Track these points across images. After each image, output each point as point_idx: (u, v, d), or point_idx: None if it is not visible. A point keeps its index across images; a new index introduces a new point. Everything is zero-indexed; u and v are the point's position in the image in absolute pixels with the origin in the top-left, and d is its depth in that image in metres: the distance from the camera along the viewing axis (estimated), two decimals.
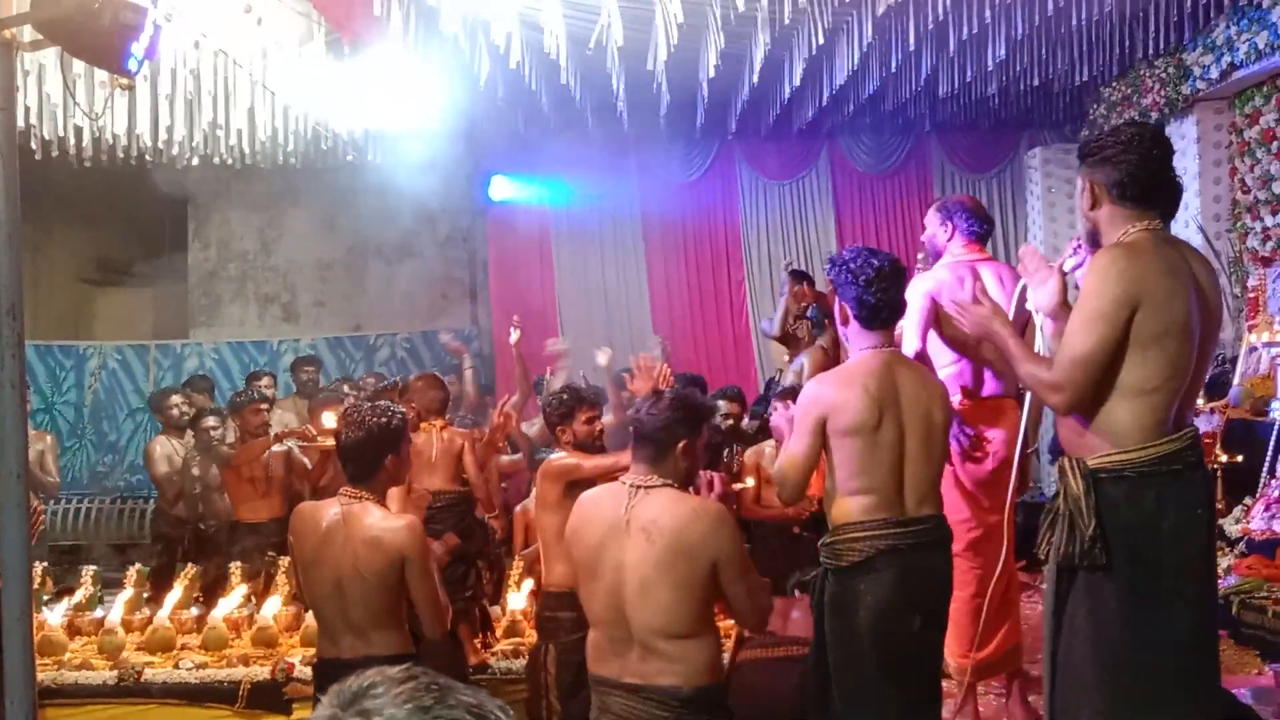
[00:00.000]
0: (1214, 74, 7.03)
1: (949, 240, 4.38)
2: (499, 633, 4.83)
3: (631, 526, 2.77)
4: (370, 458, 3.23)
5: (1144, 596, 2.63)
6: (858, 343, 3.21)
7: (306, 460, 6.05)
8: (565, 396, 4.15)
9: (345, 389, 7.32)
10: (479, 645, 4.65)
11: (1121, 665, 2.63)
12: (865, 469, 3.08)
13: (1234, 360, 6.66)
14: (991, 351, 3.98)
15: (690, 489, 2.90)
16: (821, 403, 3.11)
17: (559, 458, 3.99)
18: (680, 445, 2.82)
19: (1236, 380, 6.41)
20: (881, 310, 3.18)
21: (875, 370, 3.13)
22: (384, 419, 3.25)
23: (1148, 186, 2.68)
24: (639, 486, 2.81)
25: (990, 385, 4.25)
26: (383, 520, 3.17)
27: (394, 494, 4.67)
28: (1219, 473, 5.71)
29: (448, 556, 4.00)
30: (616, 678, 2.80)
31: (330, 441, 5.59)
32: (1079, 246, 2.91)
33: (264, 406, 6.26)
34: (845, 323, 3.23)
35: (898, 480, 3.11)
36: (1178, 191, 2.76)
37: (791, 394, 5.34)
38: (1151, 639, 2.61)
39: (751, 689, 3.56)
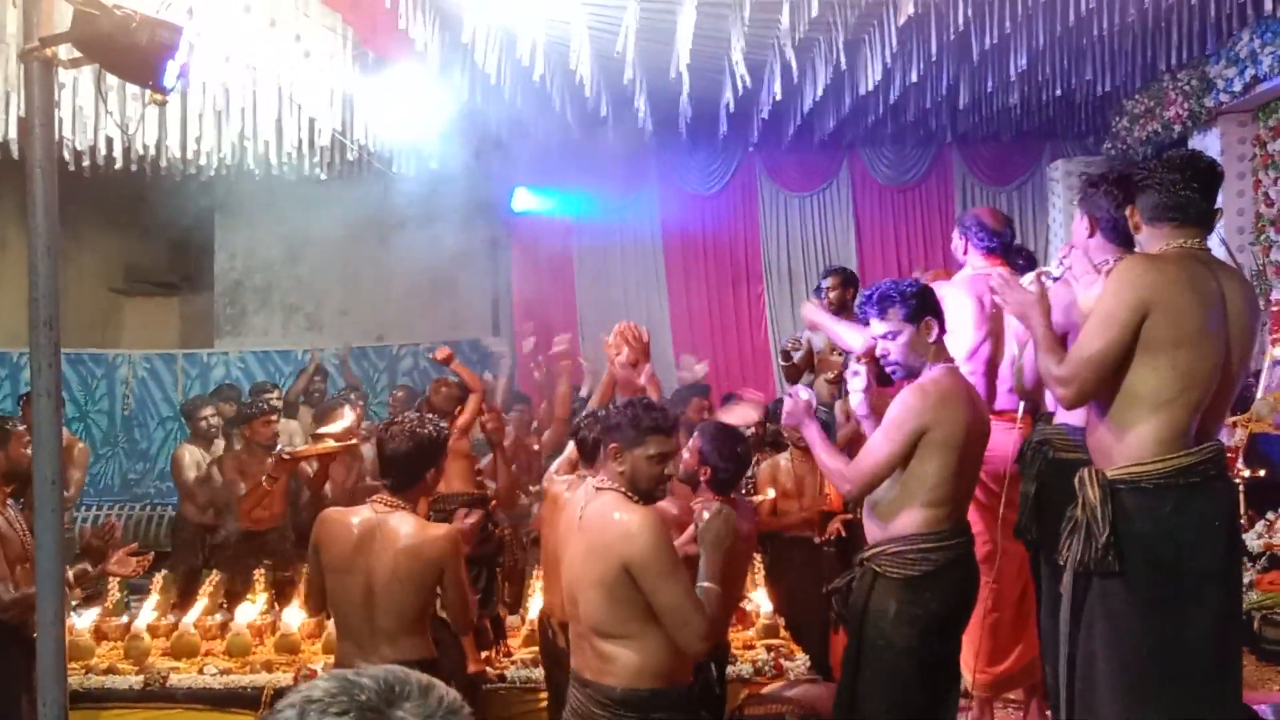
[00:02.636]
0: (1237, 86, 7.00)
1: (965, 254, 4.40)
2: (519, 640, 4.86)
3: (582, 524, 2.88)
4: (414, 468, 3.29)
5: (1159, 604, 2.68)
6: (939, 355, 3.28)
7: (309, 467, 6.10)
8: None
9: (353, 397, 7.37)
10: (494, 654, 4.66)
11: (1138, 671, 2.68)
12: (948, 482, 3.16)
13: (1257, 374, 6.63)
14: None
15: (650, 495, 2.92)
16: (925, 414, 3.15)
17: None
18: (610, 448, 2.88)
19: (1259, 394, 6.37)
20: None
21: (966, 389, 3.28)
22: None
23: (1176, 206, 2.80)
24: (596, 488, 2.91)
25: (1003, 400, 4.25)
26: (422, 530, 3.23)
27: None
28: (1241, 487, 5.67)
29: (475, 532, 4.02)
30: (578, 670, 2.90)
31: (330, 445, 5.69)
32: (1064, 256, 3.05)
33: (273, 419, 6.35)
34: (930, 334, 3.28)
35: (967, 493, 3.26)
36: (1208, 208, 2.85)
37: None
38: (1168, 647, 2.65)
39: None
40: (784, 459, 5.52)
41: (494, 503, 5.06)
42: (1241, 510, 5.61)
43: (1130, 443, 2.73)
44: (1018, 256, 4.67)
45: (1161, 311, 2.67)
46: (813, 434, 3.37)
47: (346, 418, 5.73)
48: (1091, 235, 3.31)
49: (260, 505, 5.81)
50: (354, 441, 5.93)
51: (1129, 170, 2.99)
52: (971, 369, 4.14)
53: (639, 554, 2.72)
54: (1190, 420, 2.72)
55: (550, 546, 3.85)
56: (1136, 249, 2.96)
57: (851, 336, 4.14)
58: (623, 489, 2.86)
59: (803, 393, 3.51)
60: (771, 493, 5.44)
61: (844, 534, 5.24)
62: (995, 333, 4.19)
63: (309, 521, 6.12)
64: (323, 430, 5.80)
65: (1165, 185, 2.78)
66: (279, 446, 5.98)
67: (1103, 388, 2.76)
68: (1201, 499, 2.72)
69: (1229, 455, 5.47)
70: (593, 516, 2.86)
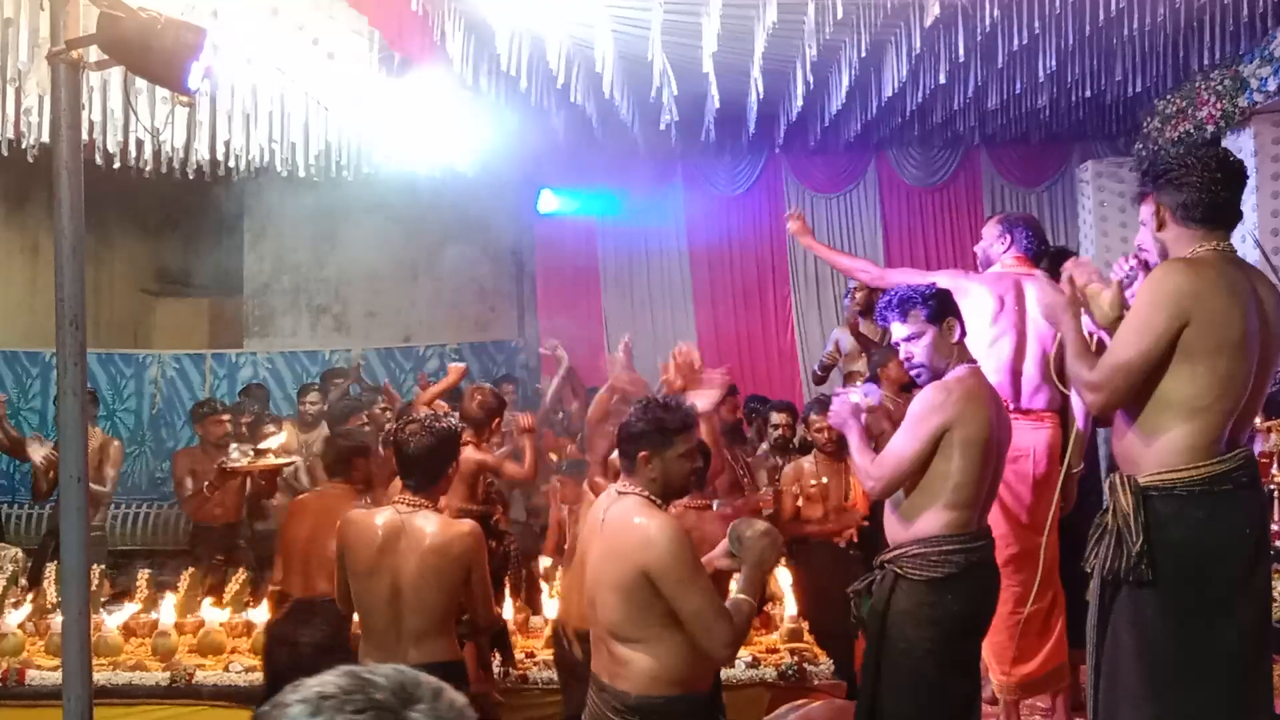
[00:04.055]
0: (1271, 86, 6.89)
1: (1005, 251, 4.39)
2: (542, 641, 4.84)
3: (603, 527, 2.87)
4: (436, 465, 3.29)
5: (1187, 612, 2.65)
6: (963, 356, 3.26)
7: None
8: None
9: (381, 400, 7.38)
10: (500, 671, 4.39)
11: (1166, 679, 2.65)
12: (971, 483, 3.13)
13: None
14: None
15: (673, 501, 2.94)
16: (947, 411, 3.12)
17: None
18: (640, 456, 2.84)
19: None
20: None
21: (989, 389, 3.26)
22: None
23: (1213, 207, 2.73)
24: (619, 491, 2.90)
25: (1029, 399, 4.22)
26: (447, 527, 3.23)
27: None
28: (1275, 493, 5.57)
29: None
30: (596, 673, 2.88)
31: (269, 461, 5.76)
32: (1132, 268, 2.97)
33: (225, 418, 6.43)
34: (952, 335, 3.27)
35: (990, 495, 3.24)
36: (1239, 210, 2.81)
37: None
38: (1196, 654, 2.62)
39: None
40: (808, 462, 5.48)
41: (497, 518, 5.03)
42: (1275, 516, 5.51)
43: (1162, 449, 2.69)
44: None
45: (1203, 319, 2.62)
46: (854, 436, 3.34)
47: (282, 434, 5.87)
48: (1161, 229, 2.86)
49: (212, 503, 5.97)
50: (292, 460, 6.01)
51: (1167, 164, 2.84)
52: (990, 367, 4.12)
53: (657, 560, 2.71)
54: (1224, 427, 2.68)
55: (577, 550, 3.85)
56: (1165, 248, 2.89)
57: (852, 264, 4.84)
58: (645, 493, 2.85)
59: (854, 395, 3.47)
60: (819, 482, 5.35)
61: (855, 540, 5.21)
62: (1019, 331, 4.16)
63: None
64: (262, 446, 5.91)
65: (1204, 185, 2.71)
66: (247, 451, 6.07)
67: (1133, 394, 2.71)
68: (1233, 507, 2.68)
69: (1263, 461, 5.38)
70: (613, 520, 2.85)
